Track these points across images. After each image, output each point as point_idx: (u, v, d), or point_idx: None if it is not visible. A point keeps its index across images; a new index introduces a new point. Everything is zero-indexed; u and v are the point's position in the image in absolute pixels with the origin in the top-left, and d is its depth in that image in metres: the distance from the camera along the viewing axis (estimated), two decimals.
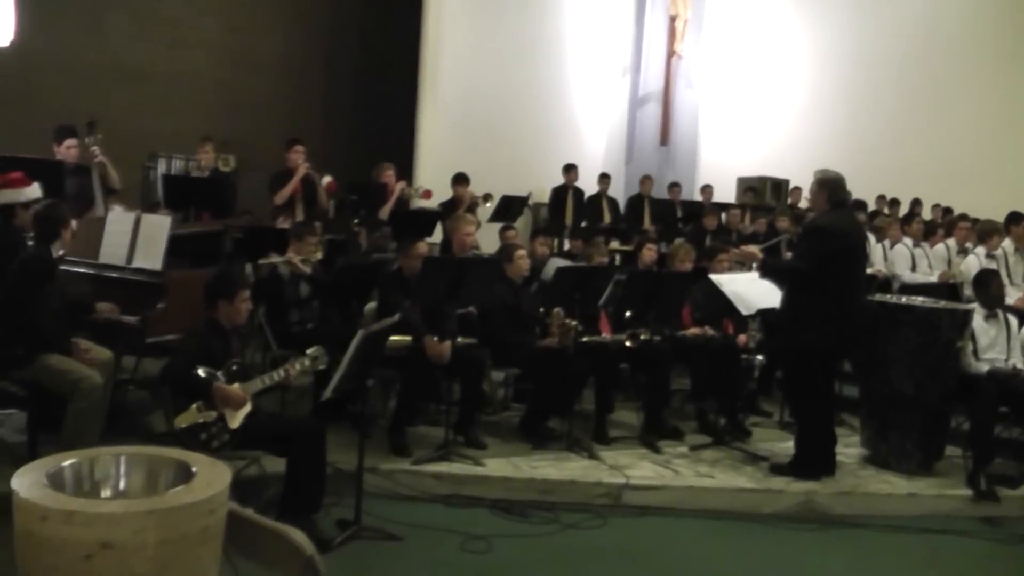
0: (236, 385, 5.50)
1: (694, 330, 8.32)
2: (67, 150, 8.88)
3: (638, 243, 9.89)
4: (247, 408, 5.52)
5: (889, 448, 7.55)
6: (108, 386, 6.46)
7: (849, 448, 7.74)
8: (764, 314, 7.97)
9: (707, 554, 6.11)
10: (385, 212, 10.75)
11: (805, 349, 7.03)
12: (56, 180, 8.08)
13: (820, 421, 7.21)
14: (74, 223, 6.79)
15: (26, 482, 3.44)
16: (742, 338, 8.25)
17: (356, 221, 10.54)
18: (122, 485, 3.88)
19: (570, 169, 15.02)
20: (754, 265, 7.56)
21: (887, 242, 12.13)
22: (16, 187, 6.55)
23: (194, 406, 5.33)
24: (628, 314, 8.07)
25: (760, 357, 8.47)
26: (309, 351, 5.87)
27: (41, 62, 13.43)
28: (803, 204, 14.40)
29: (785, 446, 7.72)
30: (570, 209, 14.86)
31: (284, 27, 16.13)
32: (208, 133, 11.13)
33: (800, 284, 6.94)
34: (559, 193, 15.02)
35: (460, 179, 12.19)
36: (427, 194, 12.00)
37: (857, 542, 6.45)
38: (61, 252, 6.95)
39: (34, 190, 6.63)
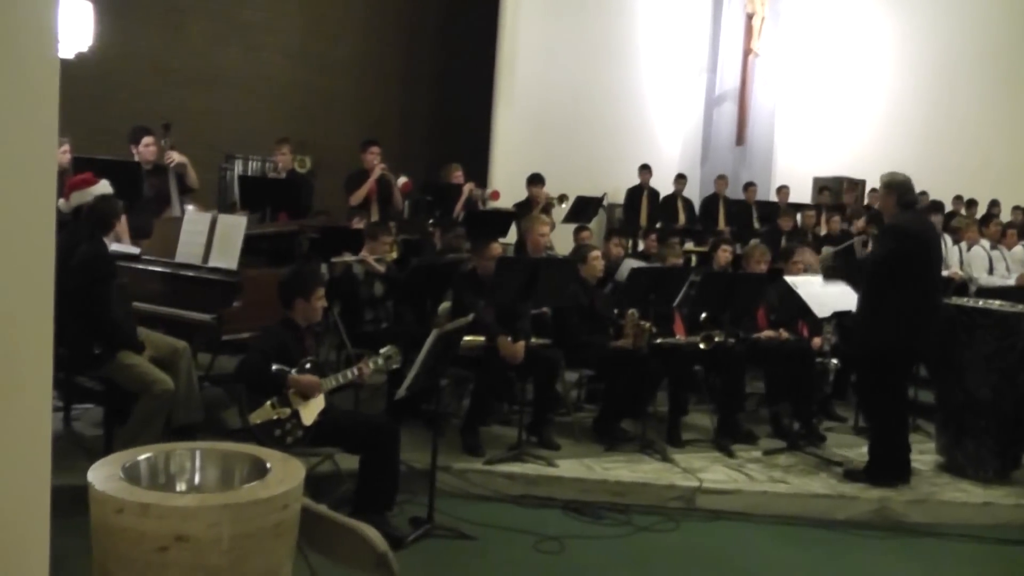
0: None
1: (768, 333, 8.24)
2: (145, 148, 8.99)
3: (713, 244, 9.81)
4: (321, 405, 5.56)
5: (965, 455, 7.41)
6: (193, 375, 6.56)
7: (924, 455, 7.60)
8: (840, 317, 7.88)
9: (779, 560, 6.05)
10: (457, 212, 10.79)
11: (880, 352, 6.94)
12: (134, 181, 8.20)
13: (894, 426, 7.11)
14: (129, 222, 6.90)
15: (102, 475, 3.49)
16: (817, 341, 8.15)
17: (431, 221, 10.59)
18: (197, 479, 3.92)
19: (645, 169, 14.95)
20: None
21: (964, 244, 11.92)
22: (84, 188, 6.64)
23: (268, 403, 5.38)
24: (704, 316, 8.00)
25: (835, 361, 8.36)
26: (383, 350, 5.90)
27: (120, 66, 13.64)
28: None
29: (860, 451, 7.63)
30: (645, 210, 14.79)
31: (361, 29, 16.22)
32: (285, 135, 11.22)
33: (876, 286, 6.85)
34: (634, 193, 14.96)
35: (535, 179, 12.20)
36: (495, 195, 12.00)
37: (931, 551, 6.34)
38: (137, 250, 7.05)
39: (101, 187, 6.70)
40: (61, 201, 6.62)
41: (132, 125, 9.32)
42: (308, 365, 5.62)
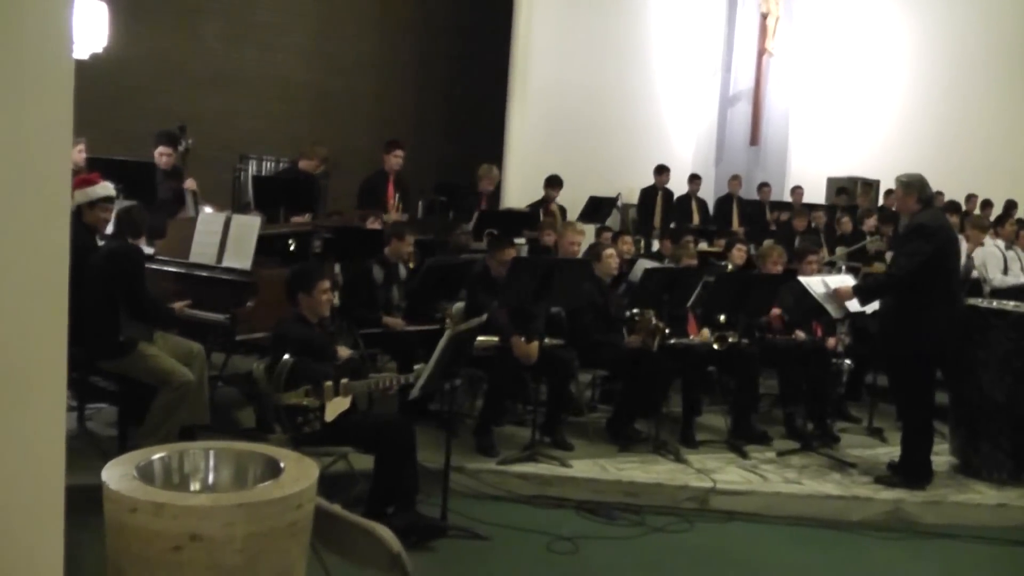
0: (344, 381, 5.60)
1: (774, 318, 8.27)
2: (159, 156, 9.03)
3: (728, 244, 9.78)
4: (345, 406, 5.62)
5: (979, 457, 7.39)
6: (204, 378, 6.60)
7: (938, 456, 7.52)
8: (854, 318, 7.85)
9: (793, 561, 6.04)
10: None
11: (915, 352, 6.93)
12: (149, 182, 8.23)
13: (928, 425, 7.12)
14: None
15: (116, 474, 3.50)
16: (831, 341, 8.12)
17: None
18: (211, 479, 3.93)
19: (662, 171, 14.86)
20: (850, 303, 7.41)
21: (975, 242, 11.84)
22: (84, 188, 6.64)
23: (303, 388, 5.41)
24: (722, 318, 7.97)
25: (848, 362, 8.34)
26: (417, 367, 5.97)
27: (135, 67, 13.65)
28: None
29: (874, 452, 7.67)
30: (659, 210, 14.73)
31: (374, 29, 16.22)
32: (297, 135, 11.22)
33: (908, 286, 6.83)
34: (648, 194, 14.90)
35: (553, 182, 12.25)
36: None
37: (945, 552, 6.32)
38: (152, 250, 7.09)
39: (102, 188, 6.67)
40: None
41: (147, 126, 9.41)
42: (350, 362, 5.78)
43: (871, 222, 12.90)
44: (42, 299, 2.75)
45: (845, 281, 7.57)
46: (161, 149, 9.08)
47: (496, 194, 12.03)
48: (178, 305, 6.62)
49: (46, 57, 2.71)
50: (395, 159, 10.30)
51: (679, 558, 5.91)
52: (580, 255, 8.42)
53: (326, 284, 5.94)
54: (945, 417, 7.90)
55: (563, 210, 12.55)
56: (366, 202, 10.08)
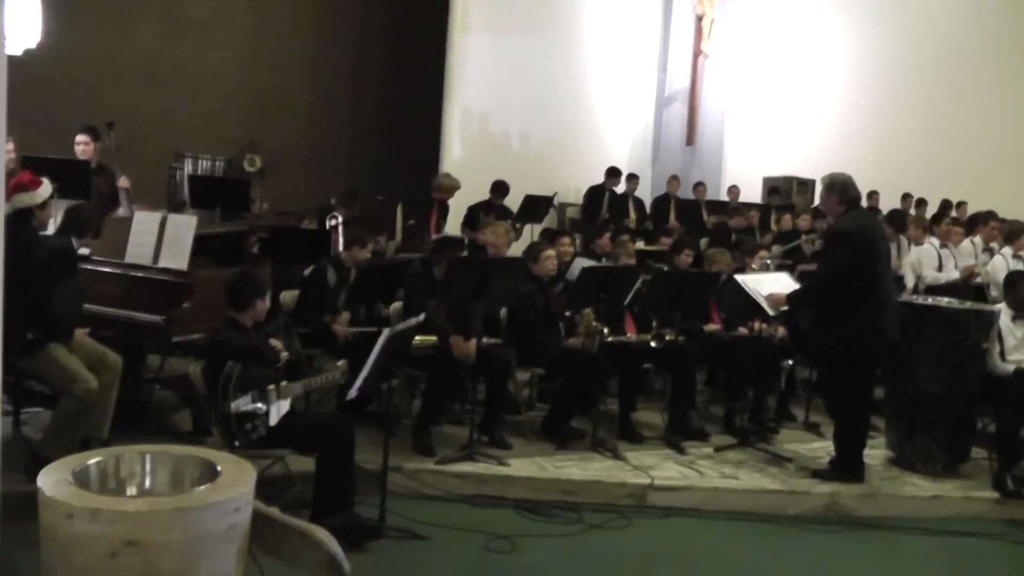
0: (283, 384, 5.64)
1: (712, 326, 8.33)
2: (76, 147, 8.83)
3: (675, 246, 9.75)
4: (286, 408, 5.64)
5: (914, 449, 7.51)
6: (113, 391, 6.38)
7: (874, 450, 7.66)
8: (788, 316, 7.93)
9: (731, 555, 6.09)
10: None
11: (848, 355, 7.00)
12: (83, 180, 8.12)
13: (862, 422, 7.21)
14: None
15: (51, 480, 3.46)
16: (764, 327, 8.18)
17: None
18: (148, 483, 3.91)
19: (615, 174, 14.88)
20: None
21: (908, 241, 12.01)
22: (30, 190, 6.52)
23: (250, 394, 5.43)
24: (654, 323, 8.00)
25: (791, 362, 8.45)
26: (340, 363, 6.10)
27: (68, 64, 13.49)
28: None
29: (810, 447, 7.75)
30: (604, 210, 14.72)
31: (311, 29, 16.14)
32: (233, 133, 11.12)
33: (834, 291, 6.90)
34: (595, 193, 14.92)
35: (498, 188, 12.23)
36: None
37: (882, 544, 6.42)
38: (87, 251, 6.98)
39: (46, 188, 6.58)
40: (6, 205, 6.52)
41: (81, 124, 9.19)
42: (288, 363, 5.78)
43: (802, 221, 13.04)
44: None
45: (780, 280, 7.65)
46: (77, 139, 8.80)
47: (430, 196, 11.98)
48: (79, 333, 6.28)
49: None
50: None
51: (617, 555, 5.94)
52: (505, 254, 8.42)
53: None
54: (881, 411, 8.02)
55: (507, 212, 12.54)
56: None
